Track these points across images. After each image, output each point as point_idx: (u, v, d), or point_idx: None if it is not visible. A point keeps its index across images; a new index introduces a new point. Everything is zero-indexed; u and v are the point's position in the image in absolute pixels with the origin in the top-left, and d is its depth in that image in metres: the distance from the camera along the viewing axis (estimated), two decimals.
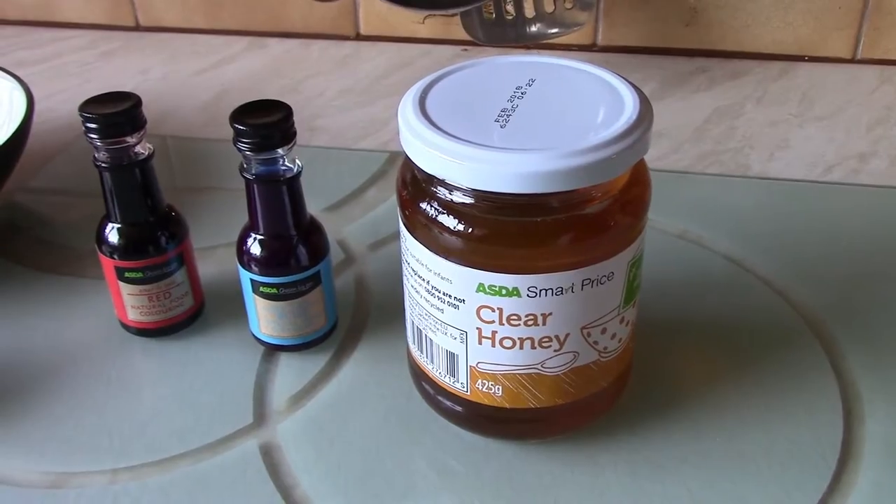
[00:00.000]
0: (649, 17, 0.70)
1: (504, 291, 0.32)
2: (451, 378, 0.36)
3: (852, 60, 0.69)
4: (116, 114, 0.38)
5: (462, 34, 0.72)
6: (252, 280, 0.40)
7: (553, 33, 0.65)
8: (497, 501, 0.35)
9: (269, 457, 0.38)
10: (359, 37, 0.75)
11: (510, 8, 0.64)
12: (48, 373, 0.42)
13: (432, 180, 0.32)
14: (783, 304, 0.45)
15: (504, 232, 0.32)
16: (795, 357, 0.42)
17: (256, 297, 0.40)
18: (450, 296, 0.33)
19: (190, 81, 0.69)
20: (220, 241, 0.49)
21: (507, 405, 0.35)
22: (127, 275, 0.41)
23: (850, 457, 0.37)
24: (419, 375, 0.38)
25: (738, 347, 0.42)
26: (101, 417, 0.40)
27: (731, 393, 0.40)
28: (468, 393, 0.35)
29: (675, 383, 0.40)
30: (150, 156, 0.40)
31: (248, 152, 0.37)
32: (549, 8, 0.64)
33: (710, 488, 0.36)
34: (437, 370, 0.36)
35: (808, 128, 0.61)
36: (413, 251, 0.34)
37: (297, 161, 0.39)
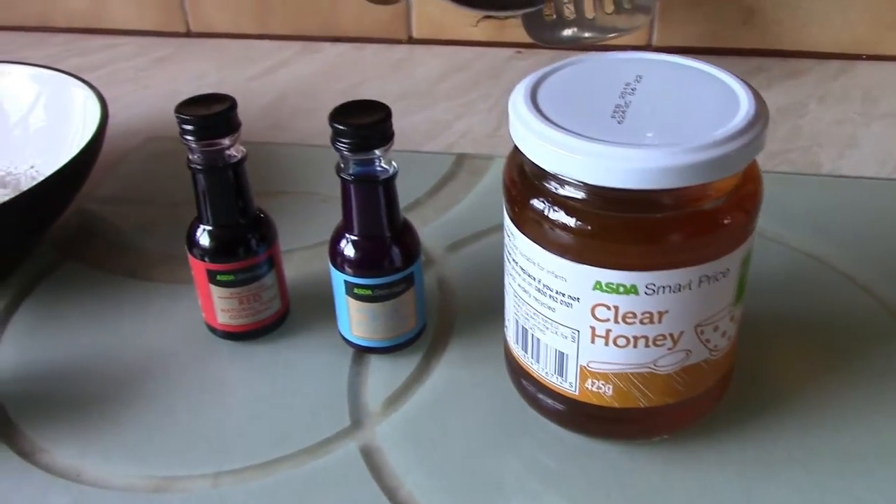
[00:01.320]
0: (705, 17, 0.69)
1: (622, 289, 0.32)
2: (559, 378, 0.35)
3: None
4: (212, 116, 0.38)
5: (514, 37, 0.72)
6: (346, 281, 0.40)
7: (612, 35, 0.65)
8: (608, 503, 0.35)
9: (371, 459, 0.37)
10: (411, 40, 0.75)
11: (571, 9, 0.64)
12: (140, 378, 0.42)
13: (544, 176, 0.32)
14: (869, 300, 0.45)
15: (623, 228, 0.31)
16: (889, 353, 0.41)
17: (349, 298, 0.40)
18: (563, 294, 0.33)
19: (246, 86, 0.69)
20: (295, 245, 0.49)
21: (616, 405, 0.35)
22: (219, 278, 0.41)
23: None
24: (520, 374, 0.38)
25: (832, 344, 0.42)
26: (199, 421, 0.39)
27: (832, 390, 0.39)
28: (576, 393, 0.35)
29: (775, 381, 0.40)
30: (243, 158, 0.40)
31: (346, 152, 0.37)
32: (608, 9, 0.64)
33: (821, 487, 0.35)
34: (543, 370, 0.36)
35: (875, 126, 0.60)
36: (522, 249, 0.34)
37: (394, 163, 0.39)
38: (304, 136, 0.61)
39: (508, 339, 0.38)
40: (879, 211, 0.51)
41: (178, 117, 0.38)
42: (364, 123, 0.37)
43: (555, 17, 0.64)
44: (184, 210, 0.53)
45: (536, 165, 0.32)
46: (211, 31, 0.77)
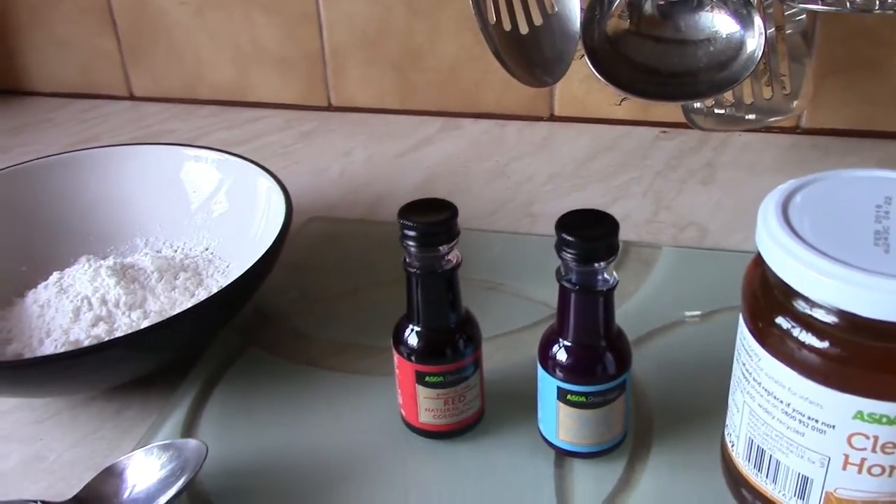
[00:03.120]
0: (859, 100, 0.69)
1: (885, 420, 0.31)
2: (800, 501, 0.34)
3: None
4: (435, 224, 0.39)
5: (657, 116, 0.73)
6: (559, 387, 0.40)
7: (769, 121, 0.64)
8: None
9: None
10: (552, 118, 0.75)
11: (728, 95, 0.64)
12: (340, 476, 0.42)
13: (793, 294, 0.32)
14: None
15: (892, 359, 0.31)
16: None
17: (561, 404, 0.40)
18: (816, 420, 0.32)
19: (395, 163, 0.70)
20: None
21: None
22: (427, 379, 0.41)
23: None
24: (744, 487, 0.37)
25: None
26: None
27: None
28: None
29: None
30: (458, 264, 0.40)
31: (571, 262, 0.37)
32: (766, 94, 0.64)
33: None
34: (780, 492, 0.35)
35: None
36: (767, 370, 0.33)
37: (615, 273, 0.39)
38: (460, 219, 0.62)
39: (735, 454, 0.37)
40: None
41: (401, 223, 0.39)
42: (594, 236, 0.37)
43: (713, 101, 0.64)
44: (357, 296, 0.54)
45: (786, 284, 0.32)
46: (352, 106, 0.79)
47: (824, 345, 0.31)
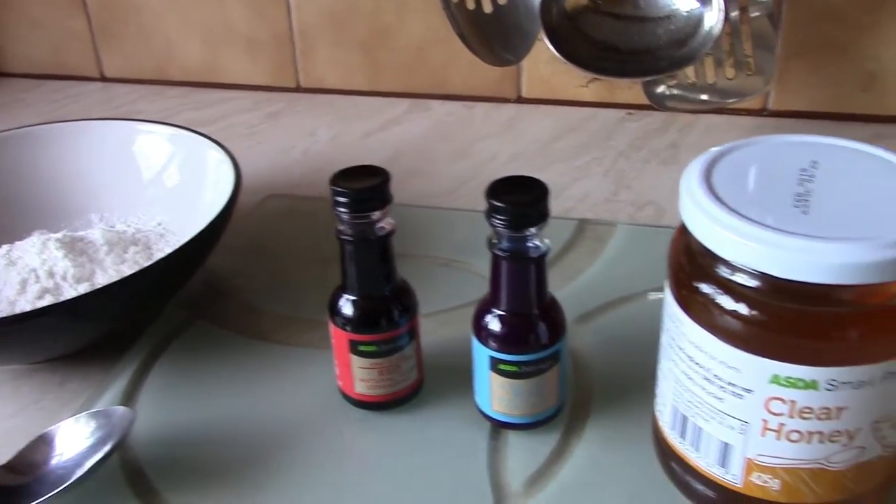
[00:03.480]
0: (824, 82, 0.68)
1: (801, 384, 0.31)
2: (721, 469, 0.34)
3: None
4: (366, 189, 0.38)
5: (625, 98, 0.72)
6: (490, 357, 0.39)
7: (731, 100, 0.64)
8: None
9: None
10: (520, 100, 0.75)
11: (690, 74, 0.63)
12: (276, 445, 0.41)
13: (716, 260, 0.31)
14: None
15: (804, 322, 0.30)
16: None
17: (493, 374, 0.40)
18: (734, 385, 0.32)
19: (360, 143, 0.70)
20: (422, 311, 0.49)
21: (782, 500, 0.34)
22: (360, 348, 0.41)
23: None
24: (671, 459, 0.37)
25: None
26: (341, 494, 0.39)
27: None
28: (740, 485, 0.34)
29: None
30: (392, 231, 0.40)
31: (501, 229, 0.37)
32: (729, 74, 0.63)
33: None
34: (703, 460, 0.35)
35: None
36: (690, 336, 0.33)
37: (546, 240, 0.38)
38: (419, 197, 0.61)
39: (662, 423, 0.37)
40: None
41: (332, 189, 0.38)
42: (523, 202, 0.37)
43: (675, 80, 0.63)
44: (310, 271, 0.54)
45: (708, 249, 0.31)
46: (321, 87, 0.79)
47: (742, 308, 0.31)
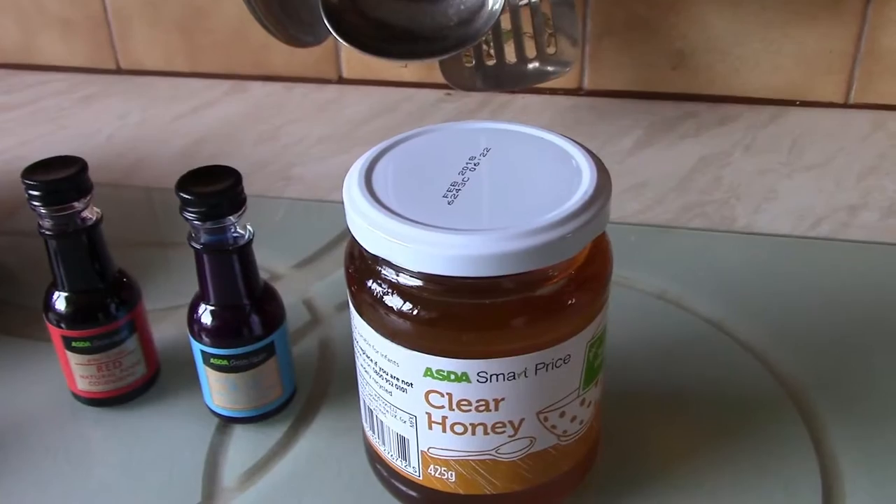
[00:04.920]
0: (636, 62, 0.68)
1: (453, 377, 0.30)
2: (404, 462, 0.34)
3: (845, 105, 0.67)
4: (61, 180, 0.37)
5: (444, 78, 0.71)
6: (202, 351, 0.38)
7: (537, 77, 0.63)
8: None
9: None
10: (341, 80, 0.74)
11: (492, 52, 0.63)
12: None
13: (377, 260, 0.31)
14: (763, 372, 0.43)
15: (451, 315, 0.30)
16: (774, 430, 0.40)
17: (207, 368, 0.39)
18: (397, 379, 0.31)
19: (168, 127, 0.68)
20: (179, 302, 0.48)
21: (461, 491, 0.33)
22: (74, 344, 0.40)
23: None
24: (373, 457, 0.36)
25: (716, 418, 0.40)
26: (45, 493, 0.38)
27: (706, 469, 0.38)
28: (420, 478, 0.34)
29: (647, 458, 0.38)
30: (98, 221, 0.39)
31: (195, 221, 0.36)
32: (530, 53, 0.63)
33: None
34: (389, 453, 0.34)
35: (797, 177, 0.59)
36: (360, 330, 0.32)
37: (249, 227, 0.37)
38: None
39: (362, 419, 0.36)
40: (788, 273, 0.50)
41: (24, 182, 0.37)
42: (213, 191, 0.35)
43: (474, 62, 0.62)
44: None
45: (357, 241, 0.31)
46: (141, 69, 0.76)
47: (398, 304, 0.30)
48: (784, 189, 0.57)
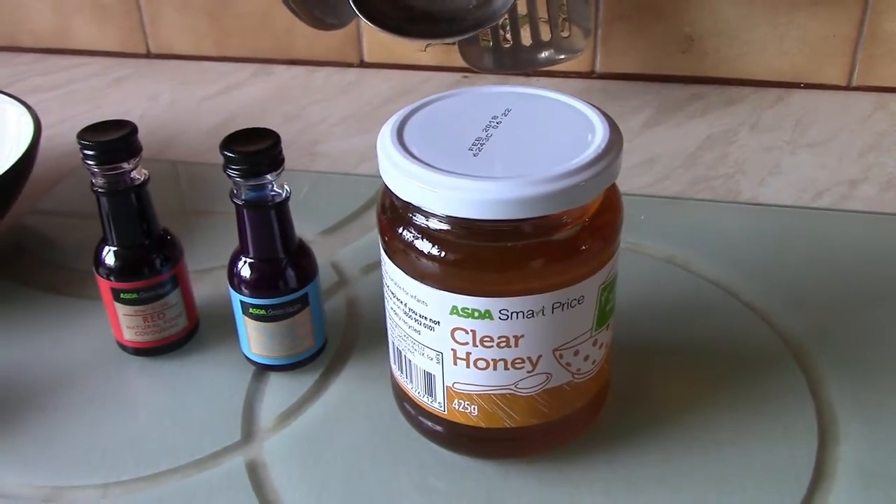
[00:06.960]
0: (646, 45, 0.71)
1: (476, 314, 0.33)
2: (430, 398, 0.37)
3: (847, 87, 0.69)
4: (113, 141, 0.40)
5: (463, 61, 0.74)
6: (242, 302, 0.41)
7: (551, 61, 0.66)
8: None
9: (255, 473, 0.39)
10: (363, 64, 0.77)
11: (509, 36, 0.65)
12: (46, 391, 0.43)
13: (409, 207, 0.34)
14: (765, 328, 0.46)
15: (476, 257, 0.33)
16: (774, 380, 0.42)
17: (246, 318, 0.42)
18: (425, 318, 0.34)
19: (197, 107, 0.71)
20: (214, 264, 0.51)
21: (483, 425, 0.36)
22: (122, 296, 0.43)
23: (823, 478, 0.37)
24: (401, 396, 0.39)
25: (719, 370, 0.43)
26: (95, 433, 0.41)
27: (709, 415, 0.41)
28: (445, 412, 0.36)
29: (654, 405, 0.41)
30: (146, 181, 0.42)
31: (237, 178, 0.39)
32: (545, 36, 0.66)
33: None
34: (416, 390, 0.37)
35: (800, 154, 0.61)
36: (392, 275, 0.35)
37: (286, 186, 0.40)
38: None
39: (390, 360, 0.39)
40: (791, 241, 0.52)
41: (79, 143, 0.40)
42: (254, 150, 0.38)
43: (491, 43, 0.65)
44: None
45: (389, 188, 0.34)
46: (171, 53, 0.80)
47: (427, 248, 0.33)
48: (788, 165, 0.60)
